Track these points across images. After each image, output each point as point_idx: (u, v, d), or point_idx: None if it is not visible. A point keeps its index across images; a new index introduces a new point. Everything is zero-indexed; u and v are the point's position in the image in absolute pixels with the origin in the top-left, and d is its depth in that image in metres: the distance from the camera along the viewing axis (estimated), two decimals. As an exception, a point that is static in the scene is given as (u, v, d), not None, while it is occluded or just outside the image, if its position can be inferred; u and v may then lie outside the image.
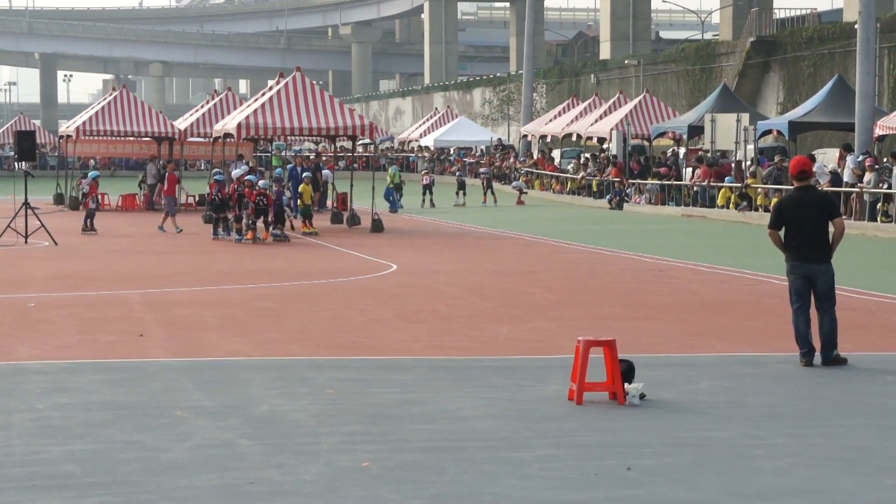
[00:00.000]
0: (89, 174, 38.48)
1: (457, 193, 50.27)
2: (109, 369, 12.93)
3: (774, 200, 29.89)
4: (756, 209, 38.25)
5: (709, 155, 43.67)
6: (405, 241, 31.45)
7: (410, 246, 30.07)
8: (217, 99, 49.35)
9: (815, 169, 25.93)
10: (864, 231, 32.47)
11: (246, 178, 31.90)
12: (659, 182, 45.36)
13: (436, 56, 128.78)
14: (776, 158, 39.83)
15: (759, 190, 38.58)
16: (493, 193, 51.08)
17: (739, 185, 39.76)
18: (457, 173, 57.96)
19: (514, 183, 55.12)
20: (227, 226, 31.95)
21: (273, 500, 8.12)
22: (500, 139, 73.81)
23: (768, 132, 43.33)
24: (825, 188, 31.92)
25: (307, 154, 58.11)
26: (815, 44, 60.92)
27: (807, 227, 13.29)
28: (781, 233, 13.57)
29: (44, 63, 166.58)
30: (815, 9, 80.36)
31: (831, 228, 13.43)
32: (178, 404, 11.08)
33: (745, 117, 41.98)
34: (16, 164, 60.88)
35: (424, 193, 49.20)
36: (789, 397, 11.72)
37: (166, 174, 36.98)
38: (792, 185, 13.97)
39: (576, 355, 11.31)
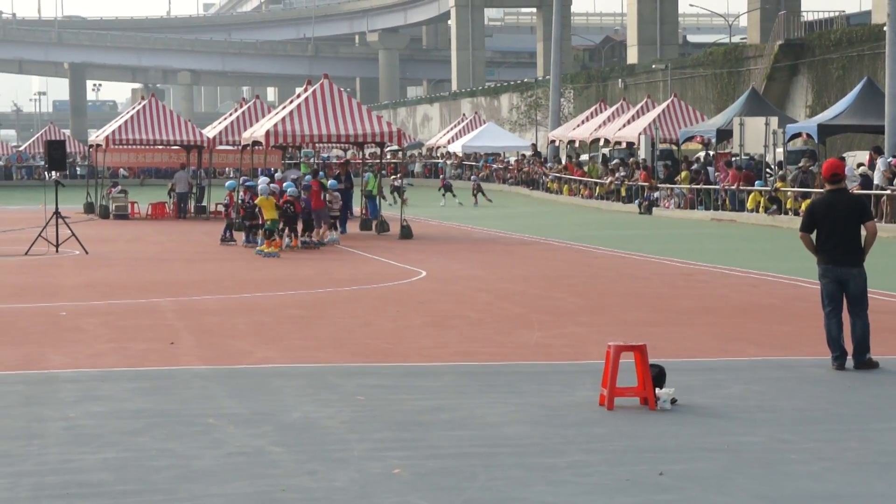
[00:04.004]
0: (226, 184, 35.87)
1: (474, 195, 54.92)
2: (141, 377, 12.98)
3: (805, 203, 29.78)
4: (786, 213, 38.12)
5: (737, 158, 43.58)
6: (434, 248, 31.45)
7: (439, 252, 30.07)
8: (245, 107, 49.49)
9: (845, 172, 25.81)
10: (895, 234, 32.30)
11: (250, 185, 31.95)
12: (688, 186, 45.26)
13: (463, 62, 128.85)
14: (802, 162, 39.68)
15: (789, 193, 38.43)
16: (483, 195, 54.73)
17: (769, 188, 39.63)
18: (472, 178, 61.26)
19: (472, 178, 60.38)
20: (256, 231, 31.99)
21: (305, 506, 8.14)
22: (534, 145, 73.77)
23: (797, 135, 43.17)
24: (856, 191, 31.76)
25: (334, 160, 58.26)
26: (843, 46, 60.70)
27: (838, 230, 13.24)
28: (813, 236, 13.53)
29: (73, 72, 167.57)
30: (844, 11, 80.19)
31: (863, 232, 13.37)
32: (210, 412, 11.10)
33: (774, 121, 41.85)
34: (46, 173, 61.25)
35: (444, 193, 55.13)
36: (821, 401, 11.67)
37: (310, 186, 32.54)
38: (824, 187, 13.91)
39: (606, 360, 11.29)
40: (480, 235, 36.40)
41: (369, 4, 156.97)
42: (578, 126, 63.10)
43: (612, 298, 20.23)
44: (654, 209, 46.12)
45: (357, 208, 42.67)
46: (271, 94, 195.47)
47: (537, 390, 12.11)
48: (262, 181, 31.60)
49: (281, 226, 31.20)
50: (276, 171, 37.90)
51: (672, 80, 72.80)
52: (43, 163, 64.99)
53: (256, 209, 30.91)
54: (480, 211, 49.83)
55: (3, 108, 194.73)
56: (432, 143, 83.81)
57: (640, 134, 51.48)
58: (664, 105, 54.01)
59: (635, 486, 8.53)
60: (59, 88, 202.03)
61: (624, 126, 54.95)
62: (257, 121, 43.38)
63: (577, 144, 62.96)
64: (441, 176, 65.45)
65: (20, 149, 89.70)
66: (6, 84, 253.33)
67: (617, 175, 51.51)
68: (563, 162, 62.20)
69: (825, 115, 42.30)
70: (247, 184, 32.97)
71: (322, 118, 35.22)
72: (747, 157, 44.37)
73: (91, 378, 12.94)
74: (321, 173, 35.82)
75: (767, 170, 42.15)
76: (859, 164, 38.46)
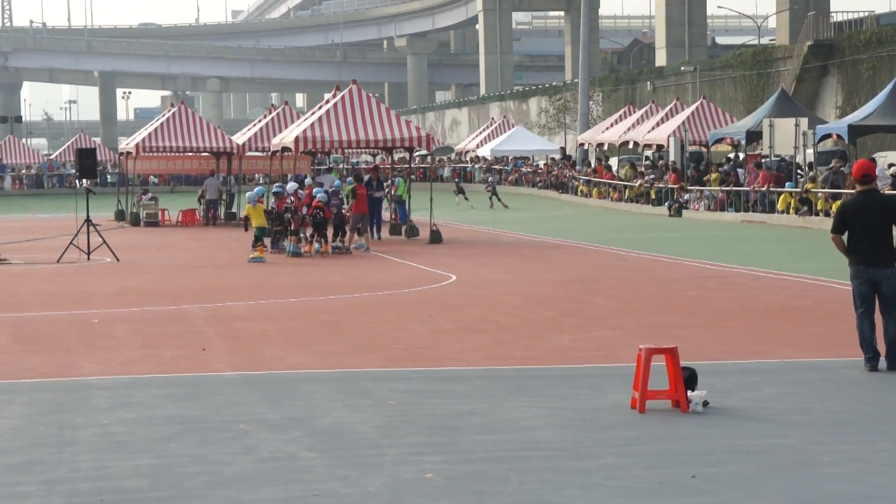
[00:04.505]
0: (256, 190, 33.81)
1: (490, 199, 55.61)
2: (173, 384, 13.02)
3: (836, 204, 29.64)
4: (817, 214, 37.95)
5: (767, 160, 43.43)
6: (463, 252, 31.45)
7: (469, 256, 30.07)
8: (274, 113, 49.61)
9: (876, 173, 25.72)
10: (927, 234, 32.10)
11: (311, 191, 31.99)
12: (718, 188, 45.12)
13: (491, 66, 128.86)
14: (832, 163, 39.51)
15: (820, 194, 38.26)
16: (498, 199, 55.63)
17: (799, 189, 39.46)
18: (488, 179, 61.77)
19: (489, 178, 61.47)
20: (283, 237, 32.04)
21: (337, 512, 8.14)
22: (562, 148, 73.70)
23: (827, 136, 42.98)
24: (887, 192, 31.60)
25: (363, 166, 58.41)
26: (873, 46, 60.42)
27: (870, 231, 13.18)
28: (845, 237, 13.47)
29: (103, 81, 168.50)
30: (873, 11, 79.67)
31: (895, 232, 13.30)
32: (242, 418, 11.13)
33: (804, 122, 41.68)
34: (77, 181, 61.51)
35: (457, 195, 56.54)
36: (854, 403, 11.61)
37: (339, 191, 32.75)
38: (854, 188, 13.85)
39: (637, 363, 11.27)
40: (510, 239, 36.38)
41: (397, 10, 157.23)
42: (607, 129, 63.01)
43: (642, 301, 20.18)
44: (683, 211, 45.99)
45: (387, 213, 42.71)
46: (300, 100, 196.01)
47: (568, 394, 12.09)
48: (256, 190, 31.93)
49: (310, 232, 31.29)
50: (306, 176, 38.01)
51: (701, 82, 72.59)
52: (74, 171, 65.34)
53: (287, 214, 31.04)
54: (510, 215, 49.80)
55: (34, 117, 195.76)
56: (461, 148, 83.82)
57: (669, 136, 51.36)
58: (693, 107, 53.86)
59: (668, 489, 8.50)
60: (89, 97, 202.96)
61: (653, 129, 54.84)
62: (286, 127, 43.47)
63: (605, 147, 62.89)
64: (455, 179, 66.15)
65: (51, 157, 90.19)
66: (37, 93, 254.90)
67: (647, 178, 51.40)
68: (593, 165, 62.13)
69: (855, 116, 42.09)
70: (274, 190, 33.09)
71: (351, 124, 35.28)
72: (777, 159, 44.21)
73: (123, 385, 12.98)
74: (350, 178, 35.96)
75: (798, 171, 41.98)
76: (890, 165, 38.28)
